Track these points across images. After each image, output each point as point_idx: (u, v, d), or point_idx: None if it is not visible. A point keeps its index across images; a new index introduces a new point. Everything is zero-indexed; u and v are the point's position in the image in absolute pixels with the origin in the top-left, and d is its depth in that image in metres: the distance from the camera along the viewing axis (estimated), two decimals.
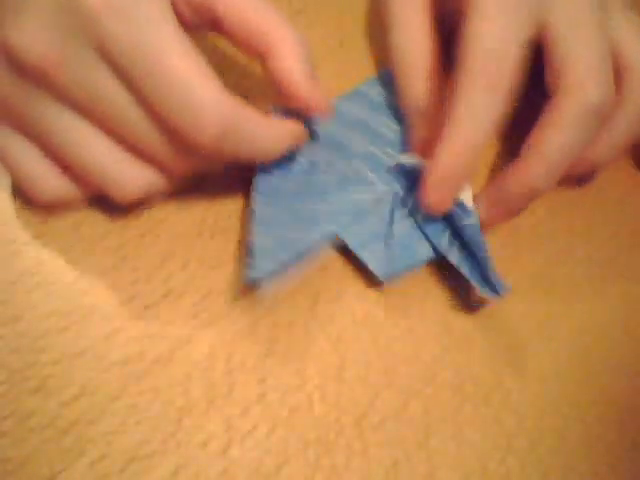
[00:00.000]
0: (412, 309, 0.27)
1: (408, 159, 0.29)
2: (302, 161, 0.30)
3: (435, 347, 0.27)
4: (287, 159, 0.29)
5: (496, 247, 0.29)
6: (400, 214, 0.29)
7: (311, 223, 0.28)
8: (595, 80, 0.27)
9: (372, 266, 0.27)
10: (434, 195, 0.27)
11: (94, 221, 0.27)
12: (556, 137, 0.27)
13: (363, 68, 0.34)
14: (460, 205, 0.28)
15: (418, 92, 0.30)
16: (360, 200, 0.29)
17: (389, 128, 0.31)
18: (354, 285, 0.27)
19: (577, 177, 0.32)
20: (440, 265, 0.28)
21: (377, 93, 0.32)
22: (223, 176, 0.29)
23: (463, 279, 0.28)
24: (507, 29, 0.27)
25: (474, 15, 0.27)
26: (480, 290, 0.26)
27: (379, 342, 0.26)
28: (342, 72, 0.33)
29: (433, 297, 0.28)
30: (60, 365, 0.24)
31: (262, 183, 0.28)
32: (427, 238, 0.28)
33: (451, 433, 0.25)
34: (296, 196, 0.29)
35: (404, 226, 0.29)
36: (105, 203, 0.28)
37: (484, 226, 0.29)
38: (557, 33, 0.28)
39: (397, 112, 0.31)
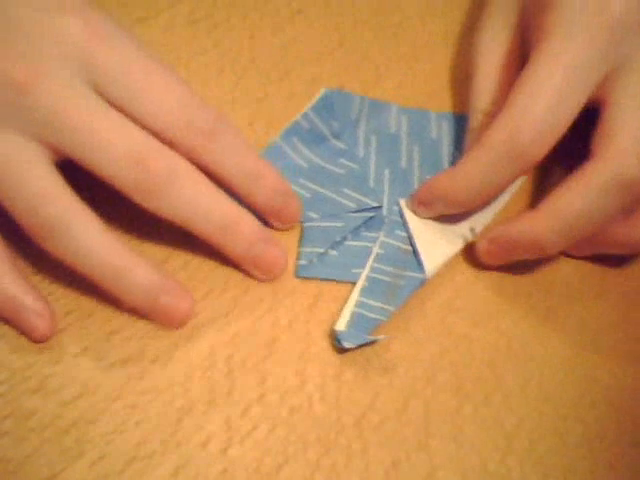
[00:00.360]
0: (412, 309, 0.27)
1: (404, 206, 0.29)
2: (331, 145, 0.30)
3: (435, 347, 0.27)
4: (320, 137, 0.30)
5: None
6: (364, 236, 0.29)
7: None
8: (638, 154, 0.26)
9: (300, 261, 0.27)
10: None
11: None
12: (577, 200, 0.26)
13: (363, 68, 0.34)
14: (418, 257, 0.28)
15: (484, 100, 0.30)
16: (342, 206, 0.29)
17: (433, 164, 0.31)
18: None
19: (618, 255, 0.30)
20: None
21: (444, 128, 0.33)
22: None
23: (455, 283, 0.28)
24: (565, 96, 0.26)
25: (533, 72, 0.27)
26: (337, 325, 0.26)
27: (379, 342, 0.26)
28: (342, 72, 0.33)
29: (433, 297, 0.28)
30: (60, 365, 0.24)
31: (275, 150, 0.29)
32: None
33: (451, 433, 0.25)
34: (295, 170, 0.29)
35: (356, 247, 0.28)
36: (105, 204, 0.28)
37: (482, 260, 0.28)
38: (615, 99, 0.27)
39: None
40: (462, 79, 0.34)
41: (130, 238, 0.27)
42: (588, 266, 0.30)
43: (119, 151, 0.24)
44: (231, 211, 0.26)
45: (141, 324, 0.25)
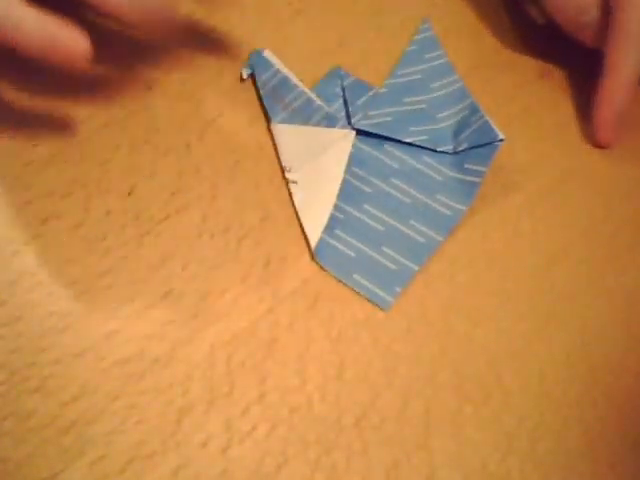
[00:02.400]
0: (412, 309, 0.27)
1: None
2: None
3: (435, 347, 0.27)
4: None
5: (497, 247, 0.29)
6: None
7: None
8: None
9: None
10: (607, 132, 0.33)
11: (94, 221, 0.27)
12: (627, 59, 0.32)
13: (363, 68, 0.33)
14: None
15: None
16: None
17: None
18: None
19: None
20: (440, 265, 0.29)
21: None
22: (224, 175, 0.29)
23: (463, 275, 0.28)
24: None
25: None
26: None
27: (379, 342, 0.26)
28: None
29: (433, 297, 0.28)
30: (60, 365, 0.24)
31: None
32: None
33: (451, 433, 0.25)
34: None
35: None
36: (105, 203, 0.28)
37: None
38: None
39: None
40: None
41: (128, 237, 0.27)
42: (588, 266, 0.30)
43: None
44: None
45: (141, 324, 0.25)
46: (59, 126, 0.29)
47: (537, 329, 0.28)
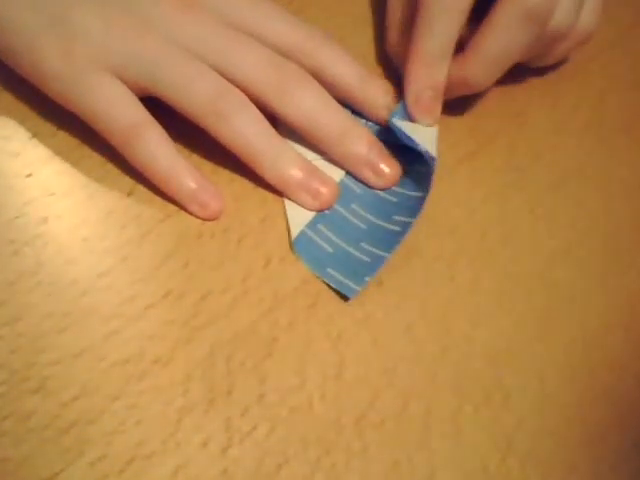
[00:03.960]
0: (412, 309, 0.27)
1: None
2: None
3: (435, 347, 0.27)
4: None
5: (496, 246, 0.29)
6: None
7: None
8: None
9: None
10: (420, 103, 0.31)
11: (94, 221, 0.27)
12: (492, 40, 0.29)
13: None
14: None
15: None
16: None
17: None
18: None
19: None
20: (440, 265, 0.29)
21: None
22: (223, 176, 0.29)
23: (458, 272, 0.28)
24: None
25: None
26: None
27: (379, 342, 0.26)
28: None
29: (433, 297, 0.28)
30: (60, 365, 0.24)
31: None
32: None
33: (451, 433, 0.25)
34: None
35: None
36: (105, 203, 0.28)
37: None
38: None
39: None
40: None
41: (128, 237, 0.27)
42: (588, 266, 0.30)
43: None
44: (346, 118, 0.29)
45: (141, 324, 0.25)
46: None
47: (537, 329, 0.28)
